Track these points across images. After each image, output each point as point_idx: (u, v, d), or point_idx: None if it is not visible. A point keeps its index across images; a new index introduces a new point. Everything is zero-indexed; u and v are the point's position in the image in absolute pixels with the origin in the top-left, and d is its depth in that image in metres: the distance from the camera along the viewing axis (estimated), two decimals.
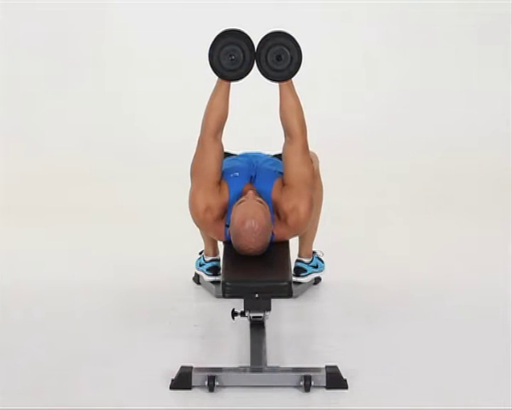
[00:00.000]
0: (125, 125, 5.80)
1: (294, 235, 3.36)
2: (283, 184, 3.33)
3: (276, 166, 3.44)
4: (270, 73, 3.26)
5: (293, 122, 3.28)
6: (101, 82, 5.92)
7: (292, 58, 3.23)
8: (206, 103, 3.34)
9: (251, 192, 3.22)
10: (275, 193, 3.29)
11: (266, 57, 3.22)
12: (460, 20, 5.92)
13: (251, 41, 3.25)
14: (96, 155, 5.58)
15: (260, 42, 3.25)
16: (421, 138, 5.74)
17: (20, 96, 5.87)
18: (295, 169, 3.27)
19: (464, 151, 5.61)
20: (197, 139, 3.36)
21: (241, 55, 3.23)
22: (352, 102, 5.88)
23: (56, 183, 5.23)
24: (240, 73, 3.26)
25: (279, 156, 3.54)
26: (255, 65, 3.25)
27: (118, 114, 5.85)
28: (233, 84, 3.31)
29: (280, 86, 3.29)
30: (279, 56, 3.22)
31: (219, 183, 3.34)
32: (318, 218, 3.64)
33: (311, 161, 3.34)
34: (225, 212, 3.27)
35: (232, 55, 3.22)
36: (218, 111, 3.30)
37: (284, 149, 3.33)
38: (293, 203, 3.25)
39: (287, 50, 3.22)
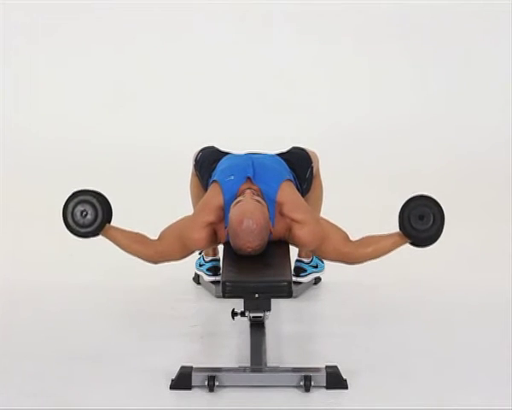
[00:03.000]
0: (125, 126, 5.81)
1: (290, 241, 3.29)
2: (297, 184, 3.36)
3: (278, 165, 3.42)
4: (406, 226, 3.17)
5: (366, 248, 3.21)
6: (102, 82, 5.92)
7: (430, 228, 3.16)
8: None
9: (248, 192, 3.21)
10: (281, 195, 3.25)
11: (411, 212, 3.16)
12: (463, 22, 5.92)
13: (91, 191, 3.24)
14: (96, 155, 5.58)
15: (413, 198, 3.20)
16: (421, 139, 5.74)
17: (20, 96, 5.88)
18: (331, 235, 3.20)
19: (465, 152, 5.62)
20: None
21: (92, 206, 3.19)
22: (354, 102, 5.88)
23: (56, 183, 5.22)
24: (102, 221, 3.21)
25: (281, 155, 3.54)
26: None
27: (118, 114, 5.85)
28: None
29: (397, 233, 3.22)
30: (422, 217, 3.15)
31: (206, 184, 3.38)
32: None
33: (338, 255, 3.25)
34: (223, 213, 3.25)
35: (84, 211, 3.19)
36: (132, 245, 3.26)
37: (343, 232, 3.25)
38: (305, 219, 3.18)
39: (431, 219, 3.15)
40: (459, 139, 5.72)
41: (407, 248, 4.32)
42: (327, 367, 2.97)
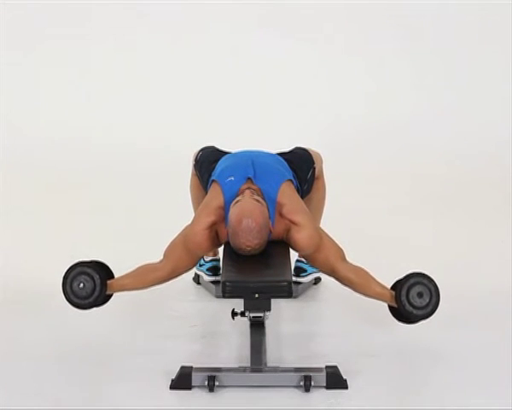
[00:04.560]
0: (126, 125, 5.81)
1: (289, 243, 3.28)
2: (298, 184, 3.36)
3: (279, 165, 3.42)
4: (403, 298, 3.12)
5: (356, 277, 3.18)
6: (102, 82, 5.92)
7: (426, 306, 3.12)
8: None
9: (247, 191, 3.21)
10: (281, 196, 3.25)
11: (411, 288, 3.13)
12: (464, 23, 5.92)
13: (85, 262, 3.14)
14: (96, 155, 5.59)
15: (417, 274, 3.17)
16: (421, 139, 5.75)
17: (19, 96, 5.88)
18: (327, 247, 3.20)
19: (464, 152, 5.62)
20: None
21: (88, 279, 3.13)
22: (357, 103, 5.88)
23: (56, 182, 5.23)
24: (101, 291, 3.14)
25: (282, 155, 3.54)
26: None
27: (118, 115, 5.86)
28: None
29: (390, 292, 3.19)
30: (421, 294, 3.12)
31: (206, 184, 3.39)
32: (320, 218, 3.64)
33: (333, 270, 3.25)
34: (224, 213, 3.25)
35: (79, 284, 3.13)
36: (142, 282, 3.22)
37: (341, 250, 3.24)
38: (304, 222, 3.17)
39: (429, 296, 3.13)
40: (459, 139, 5.72)
41: (407, 248, 4.34)
42: (327, 367, 2.97)
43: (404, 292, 3.11)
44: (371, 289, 3.19)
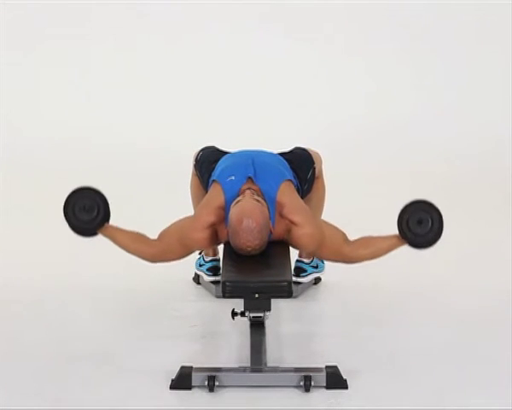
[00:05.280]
0: (126, 125, 5.81)
1: (289, 242, 3.29)
2: (298, 184, 3.36)
3: (279, 164, 3.42)
4: (404, 229, 3.19)
5: (364, 249, 3.22)
6: (102, 81, 5.92)
7: (431, 229, 3.18)
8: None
9: (248, 192, 3.21)
10: (281, 196, 3.25)
11: (410, 217, 3.17)
12: (464, 23, 5.93)
13: (92, 189, 3.24)
14: (97, 155, 5.58)
15: (415, 203, 3.20)
16: (422, 140, 5.75)
17: (20, 95, 5.88)
18: (330, 236, 3.21)
19: (465, 152, 5.62)
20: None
21: (93, 202, 3.21)
22: (357, 103, 5.88)
23: (56, 182, 5.22)
24: (103, 217, 3.23)
25: (282, 155, 3.54)
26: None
27: (118, 114, 5.86)
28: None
29: (394, 235, 3.22)
30: (420, 221, 3.16)
31: (206, 184, 3.38)
32: (320, 218, 3.64)
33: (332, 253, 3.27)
34: (224, 213, 3.25)
35: (84, 206, 3.21)
36: (132, 244, 3.26)
37: (342, 232, 3.25)
38: (304, 221, 3.18)
39: (429, 224, 3.16)
40: (459, 139, 5.72)
41: (407, 248, 4.34)
42: (327, 367, 2.97)
43: (404, 228, 3.16)
44: (382, 250, 3.23)
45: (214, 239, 3.23)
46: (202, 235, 3.19)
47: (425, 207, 3.18)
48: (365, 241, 3.24)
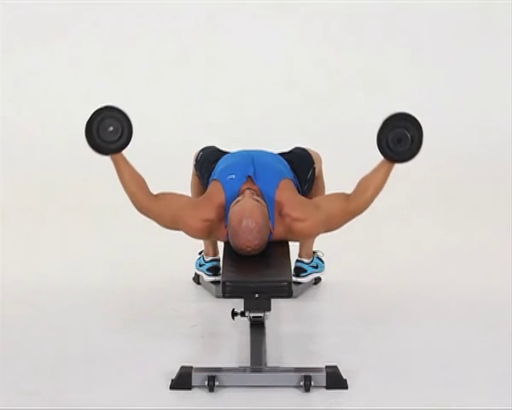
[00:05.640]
0: None
1: (292, 238, 3.33)
2: (297, 184, 3.36)
3: (279, 164, 3.42)
4: (385, 150, 3.21)
5: (365, 192, 3.26)
6: (102, 81, 5.92)
7: (411, 146, 3.19)
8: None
9: (248, 192, 3.22)
10: (279, 194, 3.26)
11: (388, 135, 3.18)
12: (463, 20, 5.92)
13: (119, 109, 3.29)
14: (97, 155, 5.57)
15: (389, 119, 3.20)
16: (424, 140, 5.73)
17: (20, 95, 5.87)
18: (334, 210, 3.24)
19: (465, 152, 5.61)
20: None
21: (118, 123, 3.23)
22: (356, 103, 5.88)
23: (56, 182, 5.23)
24: (124, 140, 3.25)
25: (283, 155, 3.54)
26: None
27: None
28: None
29: (383, 160, 3.25)
30: (400, 139, 3.18)
31: (206, 184, 3.39)
32: None
33: (346, 221, 3.31)
34: (224, 212, 3.26)
35: (110, 126, 3.22)
36: (132, 180, 3.29)
37: (341, 192, 3.30)
38: (305, 215, 3.22)
39: (408, 136, 3.18)
40: (459, 139, 5.72)
41: (407, 248, 4.34)
42: (327, 367, 2.97)
43: (386, 150, 3.19)
44: (380, 182, 3.28)
45: (207, 233, 3.26)
46: (197, 226, 3.22)
47: (399, 123, 3.18)
48: (362, 186, 3.27)
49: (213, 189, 3.31)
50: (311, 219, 3.21)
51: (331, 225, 3.26)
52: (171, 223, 3.27)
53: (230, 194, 3.24)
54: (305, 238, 3.31)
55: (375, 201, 4.98)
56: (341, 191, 3.28)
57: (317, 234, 3.32)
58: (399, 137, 3.18)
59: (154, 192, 3.31)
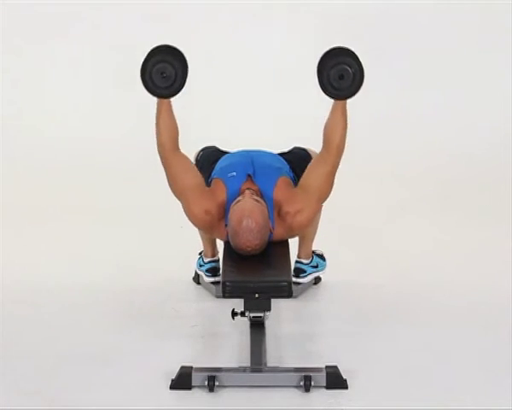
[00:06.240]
0: (126, 125, 5.80)
1: (292, 235, 3.36)
2: (298, 184, 3.34)
3: (278, 163, 3.43)
4: (331, 91, 3.23)
5: (332, 138, 3.27)
6: (102, 81, 5.92)
7: (354, 77, 3.19)
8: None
9: (247, 192, 3.22)
10: (277, 192, 3.28)
11: (329, 75, 3.18)
12: (462, 20, 5.92)
13: (183, 57, 3.26)
14: (97, 155, 5.58)
15: (323, 58, 3.22)
16: (423, 140, 5.74)
17: (20, 95, 5.87)
18: (317, 180, 3.26)
19: (465, 151, 5.61)
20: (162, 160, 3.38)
21: (173, 72, 3.22)
22: (356, 102, 5.87)
23: (56, 182, 5.23)
24: (174, 89, 3.25)
25: (283, 155, 3.54)
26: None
27: (118, 114, 5.85)
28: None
29: (334, 102, 3.26)
30: (342, 75, 3.18)
31: (213, 183, 3.36)
32: (319, 219, 3.64)
33: (333, 182, 3.33)
34: (224, 211, 3.27)
35: (164, 72, 3.21)
36: (167, 129, 3.31)
37: (316, 158, 3.34)
38: (298, 206, 3.24)
39: (349, 69, 3.18)
40: (459, 138, 5.72)
41: (408, 248, 4.34)
42: (327, 367, 2.97)
43: (329, 88, 3.21)
44: (342, 122, 3.30)
45: (206, 226, 3.30)
46: (199, 214, 3.26)
47: (337, 60, 3.20)
48: (328, 136, 3.27)
49: (216, 186, 3.32)
50: (307, 207, 3.24)
51: (324, 195, 3.29)
52: (177, 194, 3.31)
53: (232, 192, 3.26)
54: (307, 228, 3.32)
55: (375, 201, 5.02)
56: (314, 151, 3.33)
57: (315, 216, 3.34)
58: (341, 74, 3.17)
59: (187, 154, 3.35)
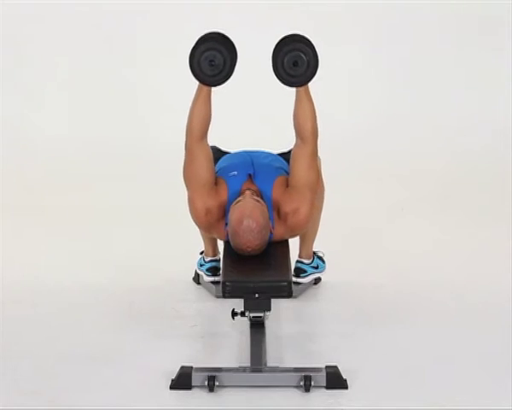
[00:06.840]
0: (126, 125, 5.80)
1: (293, 235, 3.37)
2: (287, 184, 3.33)
3: (277, 163, 3.43)
4: (286, 79, 3.23)
5: (305, 127, 3.27)
6: (103, 81, 5.92)
7: (309, 63, 3.20)
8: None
9: (248, 192, 3.23)
10: (275, 192, 3.29)
11: (283, 62, 3.20)
12: (463, 21, 5.92)
13: (233, 46, 3.26)
14: (97, 155, 5.58)
15: (277, 46, 3.23)
16: (423, 140, 5.74)
17: (20, 95, 5.87)
18: (302, 172, 3.27)
19: (464, 151, 5.61)
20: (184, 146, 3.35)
21: (222, 61, 3.22)
22: (355, 102, 5.88)
23: (56, 182, 5.23)
24: (219, 79, 3.26)
25: (282, 155, 3.54)
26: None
27: (118, 114, 5.85)
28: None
29: (296, 90, 3.27)
30: (296, 62, 3.18)
31: (215, 183, 3.35)
32: (319, 219, 3.64)
33: (318, 167, 3.34)
34: (225, 211, 3.27)
35: (212, 60, 3.21)
36: (200, 116, 3.32)
37: (294, 151, 3.34)
38: (294, 205, 3.25)
39: (303, 56, 3.19)
40: (459, 138, 5.72)
41: (408, 248, 4.34)
42: (327, 367, 2.97)
43: (284, 75, 3.21)
44: (308, 107, 3.27)
45: (205, 224, 3.30)
46: (200, 211, 3.26)
47: (289, 48, 3.19)
48: (299, 124, 3.27)
49: (219, 185, 3.32)
50: (303, 203, 3.25)
51: (313, 184, 3.30)
52: (187, 181, 3.31)
53: (233, 192, 3.27)
54: (307, 225, 3.33)
55: (376, 201, 5.02)
56: (295, 147, 3.31)
57: (312, 210, 3.32)
58: (295, 60, 3.17)
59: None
